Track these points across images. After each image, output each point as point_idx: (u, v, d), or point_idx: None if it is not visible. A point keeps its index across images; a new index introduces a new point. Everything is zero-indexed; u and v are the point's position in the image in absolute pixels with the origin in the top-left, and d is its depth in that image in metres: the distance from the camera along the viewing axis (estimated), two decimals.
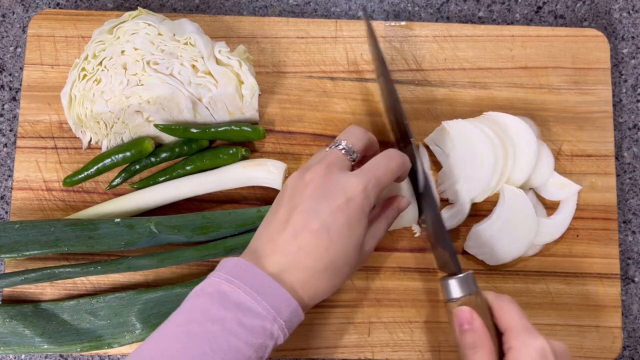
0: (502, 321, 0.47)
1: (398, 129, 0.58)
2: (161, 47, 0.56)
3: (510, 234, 0.58)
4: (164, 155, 0.59)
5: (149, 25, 0.56)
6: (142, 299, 0.56)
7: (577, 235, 0.60)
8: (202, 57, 0.56)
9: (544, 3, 0.68)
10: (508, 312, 0.47)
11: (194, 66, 0.57)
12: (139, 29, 0.56)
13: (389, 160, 0.49)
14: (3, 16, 0.67)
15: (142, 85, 0.57)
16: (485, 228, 0.58)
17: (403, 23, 0.64)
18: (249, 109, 0.59)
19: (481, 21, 0.67)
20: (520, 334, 0.45)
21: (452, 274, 0.50)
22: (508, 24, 0.67)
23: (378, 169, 0.48)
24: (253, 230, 0.57)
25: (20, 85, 0.65)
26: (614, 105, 0.65)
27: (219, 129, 0.59)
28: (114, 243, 0.55)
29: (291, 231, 0.45)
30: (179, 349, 0.41)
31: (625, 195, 0.64)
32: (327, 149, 0.50)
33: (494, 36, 0.64)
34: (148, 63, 0.56)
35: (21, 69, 0.65)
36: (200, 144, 0.60)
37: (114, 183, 0.59)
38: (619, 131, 0.65)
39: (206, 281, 0.45)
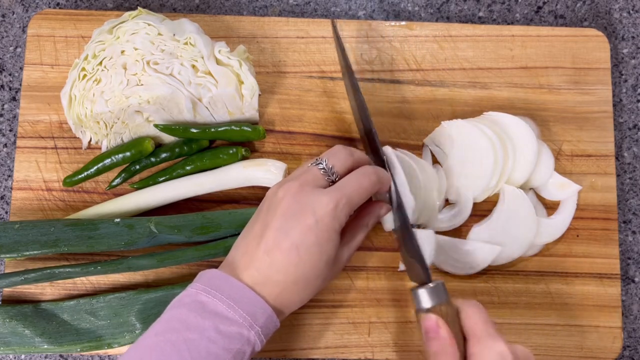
0: (465, 327, 0.46)
1: (367, 138, 0.57)
2: (161, 47, 0.56)
3: (510, 234, 0.58)
4: (164, 155, 0.59)
5: (149, 25, 0.56)
6: (142, 299, 0.56)
7: (577, 235, 0.60)
8: (202, 57, 0.56)
9: (544, 3, 0.68)
10: (472, 318, 0.46)
11: (194, 66, 0.57)
12: (139, 29, 0.56)
13: (362, 178, 0.49)
14: (3, 16, 0.67)
15: (142, 85, 0.57)
16: (485, 228, 0.58)
17: (403, 23, 0.64)
18: (249, 109, 0.59)
19: (481, 21, 0.67)
20: (481, 339, 0.45)
21: (422, 284, 0.49)
22: (508, 24, 0.67)
23: (349, 187, 0.48)
24: None
25: (20, 85, 0.65)
26: (614, 105, 0.65)
27: (219, 129, 0.59)
28: (114, 243, 0.55)
29: (264, 248, 0.47)
30: (159, 357, 0.43)
31: (625, 195, 0.64)
32: (310, 164, 0.50)
33: (494, 36, 0.64)
34: (148, 63, 0.56)
35: (21, 69, 0.65)
36: (200, 144, 0.60)
37: (114, 183, 0.59)
38: (619, 131, 0.65)
39: (184, 292, 0.46)
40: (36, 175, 0.61)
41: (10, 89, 0.65)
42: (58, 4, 0.67)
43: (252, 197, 0.61)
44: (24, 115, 0.62)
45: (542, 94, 0.63)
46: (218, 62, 0.57)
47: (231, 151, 0.59)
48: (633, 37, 0.67)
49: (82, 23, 0.63)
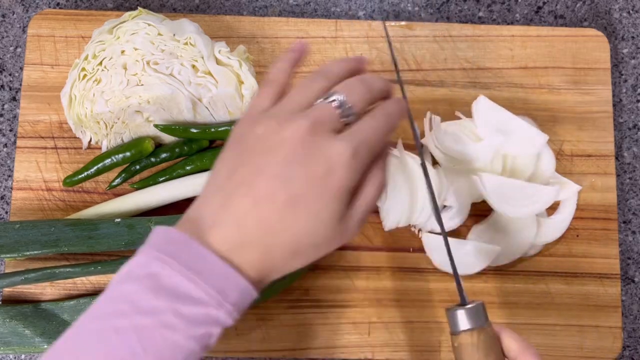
0: None
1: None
2: (161, 47, 0.56)
3: (510, 234, 0.57)
4: (164, 155, 0.59)
5: (149, 25, 0.56)
6: None
7: (577, 235, 0.60)
8: (202, 57, 0.56)
9: (544, 3, 0.68)
10: None
11: (194, 66, 0.57)
12: (139, 29, 0.56)
13: (385, 119, 0.40)
14: (3, 16, 0.67)
15: (142, 85, 0.57)
16: (485, 228, 0.58)
17: (403, 23, 0.64)
18: None
19: (481, 21, 0.67)
20: None
21: (459, 304, 0.45)
22: (508, 24, 0.67)
23: (370, 132, 0.39)
24: None
25: (20, 85, 0.65)
26: (614, 105, 0.65)
27: (219, 129, 0.59)
28: (114, 243, 0.55)
29: (251, 199, 0.37)
30: (101, 349, 0.34)
31: (625, 195, 0.64)
32: (318, 101, 0.40)
33: (494, 36, 0.64)
34: (148, 63, 0.56)
35: (21, 69, 0.65)
36: (200, 144, 0.60)
37: (114, 183, 0.59)
38: (619, 131, 0.65)
39: (134, 260, 0.37)
40: (36, 175, 0.61)
41: (10, 89, 0.65)
42: (58, 4, 0.67)
43: None
44: (24, 115, 0.62)
45: (542, 94, 0.63)
46: (218, 62, 0.57)
47: None
48: (633, 37, 0.67)
49: (82, 23, 0.63)
